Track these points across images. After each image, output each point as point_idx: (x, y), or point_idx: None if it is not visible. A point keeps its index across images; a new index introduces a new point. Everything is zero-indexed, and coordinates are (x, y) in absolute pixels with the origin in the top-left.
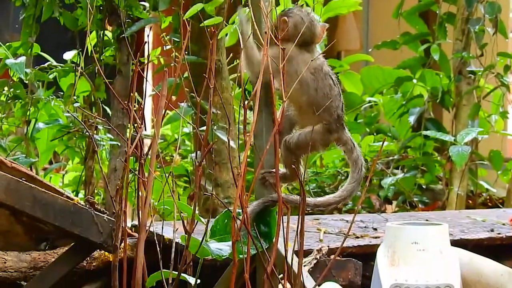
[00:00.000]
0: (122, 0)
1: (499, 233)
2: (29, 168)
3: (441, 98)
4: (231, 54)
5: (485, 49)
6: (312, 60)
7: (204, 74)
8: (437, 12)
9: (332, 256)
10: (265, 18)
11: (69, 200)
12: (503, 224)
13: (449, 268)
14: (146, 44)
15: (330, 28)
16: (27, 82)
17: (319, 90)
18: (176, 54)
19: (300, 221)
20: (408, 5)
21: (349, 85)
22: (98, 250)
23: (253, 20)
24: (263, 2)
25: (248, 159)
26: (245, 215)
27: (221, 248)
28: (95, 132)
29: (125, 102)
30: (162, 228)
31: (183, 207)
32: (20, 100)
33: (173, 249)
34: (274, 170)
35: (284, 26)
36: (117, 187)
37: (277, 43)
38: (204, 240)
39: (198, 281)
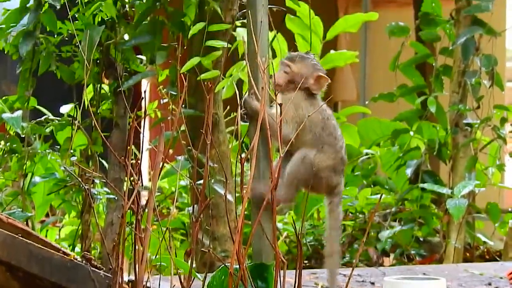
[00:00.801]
0: (119, 53)
1: (497, 287)
2: (25, 222)
3: (438, 150)
4: (228, 107)
5: (481, 102)
6: (320, 106)
7: (202, 130)
8: (434, 64)
9: None
10: (262, 74)
11: (65, 256)
12: (501, 278)
13: None
14: (143, 98)
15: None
16: (23, 135)
17: (325, 128)
18: (173, 107)
19: (297, 276)
20: (405, 57)
21: (346, 137)
22: None
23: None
24: (259, 58)
25: (245, 212)
26: (243, 271)
27: None
28: (91, 186)
29: (122, 156)
30: (159, 283)
31: (180, 263)
32: (16, 154)
33: None
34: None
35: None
36: (114, 242)
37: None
38: None
39: None
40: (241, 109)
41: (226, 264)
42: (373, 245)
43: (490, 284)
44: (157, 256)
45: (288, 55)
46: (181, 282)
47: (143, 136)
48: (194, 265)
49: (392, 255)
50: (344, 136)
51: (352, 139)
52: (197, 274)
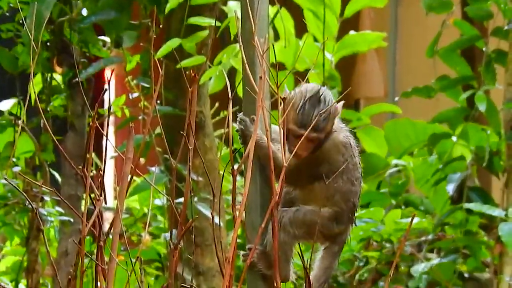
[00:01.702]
0: (75, 34)
1: None
2: None
3: (489, 160)
4: (216, 104)
5: None
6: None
7: (182, 132)
8: (484, 49)
9: None
10: (260, 59)
11: None
12: None
13: None
14: (107, 91)
15: (347, 70)
16: None
17: (344, 174)
18: (146, 103)
19: None
20: (447, 40)
21: (370, 144)
22: None
23: (244, 62)
24: (257, 39)
25: (238, 240)
26: None
27: None
28: (40, 204)
29: (79, 166)
30: None
31: None
32: None
33: None
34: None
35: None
36: (69, 276)
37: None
38: None
39: None
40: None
41: None
42: (403, 283)
43: None
44: None
45: (302, 118)
46: None
47: (106, 141)
48: None
49: None
50: (367, 142)
51: (378, 146)
52: None
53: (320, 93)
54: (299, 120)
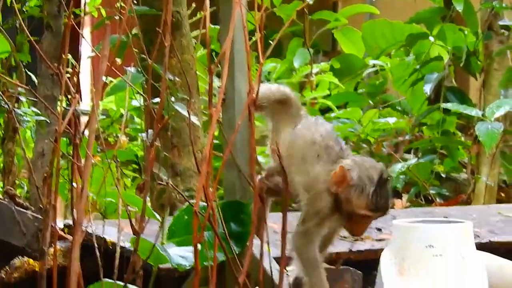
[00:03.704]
0: None
1: None
2: None
3: (466, 60)
4: (193, 4)
5: None
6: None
7: (158, 29)
8: None
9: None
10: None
11: None
12: None
13: (474, 278)
14: None
15: None
16: None
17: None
18: (122, 3)
19: (283, 219)
20: None
21: (348, 45)
22: (20, 257)
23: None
24: None
25: (215, 141)
26: (211, 210)
27: (184, 255)
28: (16, 105)
29: (56, 66)
30: (104, 228)
31: (131, 199)
32: None
33: (117, 254)
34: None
35: None
36: (45, 175)
37: None
38: (159, 243)
39: None
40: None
41: (191, 202)
42: None
43: None
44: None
45: (377, 203)
46: (131, 224)
47: (82, 40)
48: (149, 204)
49: (405, 196)
50: (344, 43)
51: (355, 47)
52: (154, 213)
53: (384, 174)
54: (374, 205)
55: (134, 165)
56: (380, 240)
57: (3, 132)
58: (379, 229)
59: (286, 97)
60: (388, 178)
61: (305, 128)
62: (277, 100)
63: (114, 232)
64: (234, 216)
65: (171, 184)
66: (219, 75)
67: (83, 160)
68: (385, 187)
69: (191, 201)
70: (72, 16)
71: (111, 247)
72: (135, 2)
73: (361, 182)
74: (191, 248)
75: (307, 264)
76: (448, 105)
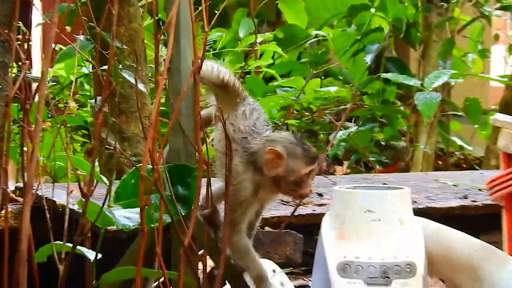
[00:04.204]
0: None
1: (474, 201)
2: None
3: (406, 32)
4: None
5: None
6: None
7: None
8: None
9: (266, 228)
10: None
11: None
12: (479, 190)
13: (411, 242)
14: None
15: None
16: None
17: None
18: None
19: (226, 183)
20: None
21: (291, 16)
22: None
23: None
24: None
25: (162, 108)
26: (158, 174)
27: (129, 216)
28: None
29: (6, 33)
30: (53, 191)
31: (79, 163)
32: None
33: (67, 217)
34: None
35: None
36: None
37: None
38: (106, 206)
39: (99, 255)
40: None
41: (138, 166)
42: (322, 149)
43: (466, 197)
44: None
45: (309, 154)
46: (80, 187)
47: (32, 8)
48: (97, 169)
49: (346, 163)
50: (287, 13)
51: (299, 17)
52: (101, 177)
53: (296, 133)
54: (310, 158)
55: (84, 131)
56: (321, 205)
57: None
58: (320, 194)
59: (224, 83)
60: (301, 133)
61: (232, 121)
62: (215, 84)
63: (64, 195)
64: (180, 180)
65: (119, 149)
66: (166, 44)
67: (33, 125)
68: (304, 141)
69: (138, 165)
70: None
71: (60, 210)
72: None
73: (290, 150)
74: (137, 210)
75: (238, 253)
76: (388, 75)
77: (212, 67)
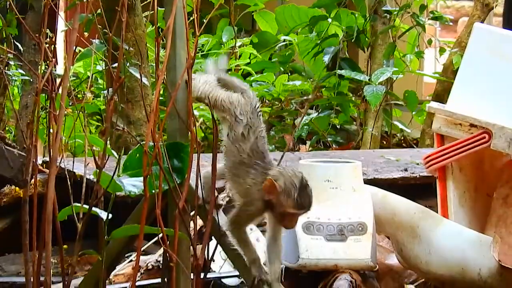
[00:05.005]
0: None
1: (413, 173)
2: None
3: (356, 37)
4: None
5: None
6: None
7: (117, 7)
8: None
9: None
10: None
11: None
12: (417, 164)
13: (362, 206)
14: None
15: None
16: None
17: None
18: None
19: (212, 158)
20: None
21: (264, 24)
22: (8, 185)
23: None
24: None
25: (161, 97)
26: (157, 150)
27: (134, 184)
28: (6, 68)
29: (37, 37)
30: (73, 164)
31: (94, 140)
32: None
33: (84, 184)
34: None
35: None
36: (28, 122)
37: None
38: (116, 175)
39: (110, 215)
40: None
41: (142, 144)
42: (289, 132)
43: (406, 170)
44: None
45: (302, 203)
46: (95, 161)
47: (57, 17)
48: (109, 146)
49: (308, 142)
50: (261, 23)
51: (270, 26)
52: (112, 152)
53: (304, 180)
54: (300, 205)
55: (98, 116)
56: None
57: None
58: None
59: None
60: (307, 183)
61: (235, 142)
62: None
63: (82, 167)
64: (176, 154)
65: (127, 130)
66: (164, 47)
67: (57, 111)
68: (306, 190)
69: (142, 142)
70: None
71: (79, 179)
72: None
73: (287, 189)
74: (141, 179)
75: (238, 242)
76: (342, 72)
77: (206, 91)
